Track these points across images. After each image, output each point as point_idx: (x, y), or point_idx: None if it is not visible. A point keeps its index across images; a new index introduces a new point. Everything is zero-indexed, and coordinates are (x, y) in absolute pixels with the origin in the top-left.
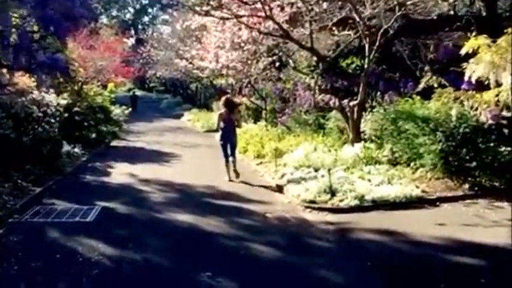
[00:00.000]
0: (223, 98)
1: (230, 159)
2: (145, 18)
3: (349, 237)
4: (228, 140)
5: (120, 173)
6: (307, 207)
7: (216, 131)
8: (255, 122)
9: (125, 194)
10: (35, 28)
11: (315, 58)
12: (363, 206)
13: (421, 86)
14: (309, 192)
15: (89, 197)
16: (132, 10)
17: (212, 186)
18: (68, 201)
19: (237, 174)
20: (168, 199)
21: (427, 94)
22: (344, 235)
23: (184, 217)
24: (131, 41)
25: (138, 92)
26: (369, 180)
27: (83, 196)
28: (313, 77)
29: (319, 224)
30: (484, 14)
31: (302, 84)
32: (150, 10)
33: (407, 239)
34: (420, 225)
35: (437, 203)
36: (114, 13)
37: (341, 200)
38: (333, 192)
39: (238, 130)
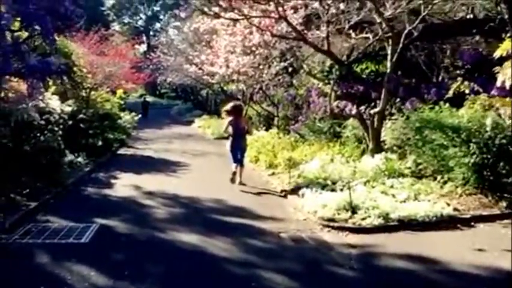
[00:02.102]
0: (230, 104)
1: (238, 166)
2: (157, 25)
3: (375, 264)
4: (238, 146)
5: (124, 185)
6: (325, 225)
7: (227, 138)
8: (266, 130)
9: (127, 210)
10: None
11: (328, 63)
12: (388, 226)
13: (451, 92)
14: (327, 208)
15: (87, 212)
16: (144, 17)
17: (221, 200)
18: (64, 218)
19: (240, 181)
20: (173, 215)
21: (454, 101)
22: (370, 262)
23: (189, 237)
24: (143, 47)
25: (149, 98)
26: (393, 196)
27: (81, 212)
28: (328, 83)
29: (340, 247)
30: (507, 17)
31: (315, 90)
32: (161, 17)
33: (444, 268)
34: (456, 250)
35: (472, 223)
36: (126, 20)
37: (363, 219)
38: (353, 209)
39: (249, 138)
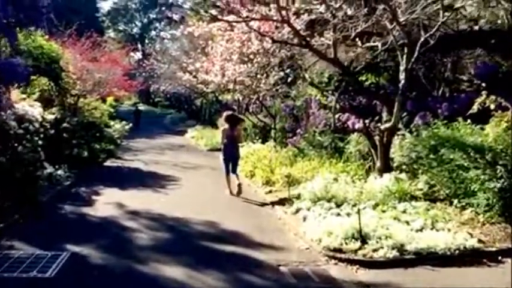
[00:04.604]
0: (225, 114)
1: (233, 175)
2: (153, 33)
3: None
4: (231, 155)
5: (106, 202)
6: (331, 257)
7: (220, 150)
8: (263, 142)
9: (105, 233)
10: None
11: (326, 74)
12: (404, 260)
13: (475, 107)
14: (333, 236)
15: (59, 237)
16: (139, 24)
17: (212, 222)
18: (31, 244)
19: (239, 190)
20: (157, 241)
21: (471, 117)
22: None
23: (173, 271)
24: (138, 55)
25: (143, 107)
26: (407, 223)
27: (53, 236)
28: (332, 94)
29: (351, 285)
30: None
31: (316, 102)
32: (157, 25)
33: None
34: None
35: (500, 258)
36: (122, 27)
37: (375, 250)
38: (363, 238)
39: (244, 151)
